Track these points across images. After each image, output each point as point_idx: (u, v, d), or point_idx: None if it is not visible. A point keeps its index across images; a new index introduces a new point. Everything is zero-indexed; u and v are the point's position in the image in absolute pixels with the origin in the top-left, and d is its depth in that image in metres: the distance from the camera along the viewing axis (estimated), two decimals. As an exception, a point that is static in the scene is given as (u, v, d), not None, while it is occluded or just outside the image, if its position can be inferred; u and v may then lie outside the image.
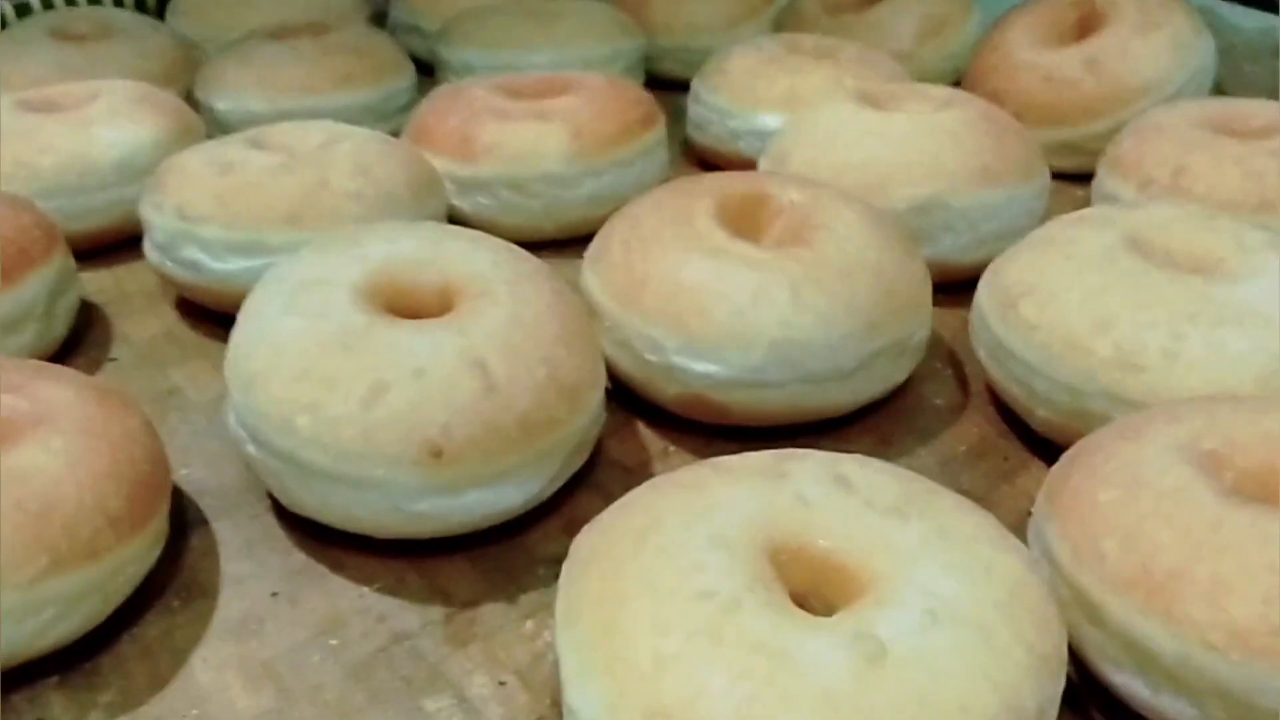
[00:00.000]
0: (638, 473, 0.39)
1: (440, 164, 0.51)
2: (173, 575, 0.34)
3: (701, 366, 0.38)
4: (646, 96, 0.56)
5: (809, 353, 0.37)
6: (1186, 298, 0.36)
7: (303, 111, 0.59)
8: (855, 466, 0.30)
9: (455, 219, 0.53)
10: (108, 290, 0.50)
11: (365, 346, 0.33)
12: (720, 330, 0.37)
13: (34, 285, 0.42)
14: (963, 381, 0.44)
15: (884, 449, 0.40)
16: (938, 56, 0.69)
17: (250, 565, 0.35)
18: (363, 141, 0.47)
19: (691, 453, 0.40)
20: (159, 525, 0.32)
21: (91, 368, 0.44)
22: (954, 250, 0.47)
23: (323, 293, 0.35)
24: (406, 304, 0.36)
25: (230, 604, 0.33)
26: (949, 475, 0.39)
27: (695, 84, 0.63)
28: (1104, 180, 0.51)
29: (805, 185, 0.43)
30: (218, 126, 0.60)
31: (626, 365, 0.40)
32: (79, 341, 0.46)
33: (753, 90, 0.59)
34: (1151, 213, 0.41)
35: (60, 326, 0.43)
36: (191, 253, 0.44)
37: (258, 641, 0.32)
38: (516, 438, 0.33)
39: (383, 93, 0.62)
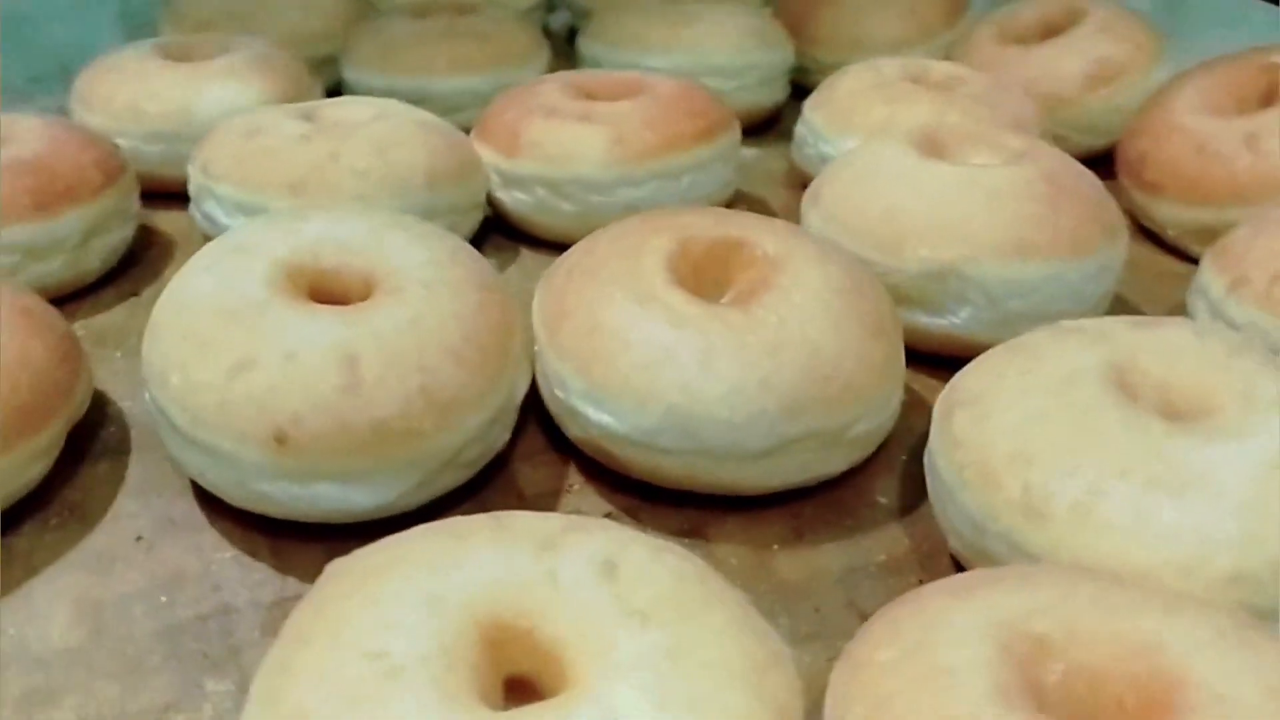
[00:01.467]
0: (531, 504, 0.38)
1: (488, 155, 0.52)
2: (65, 496, 0.37)
3: (599, 416, 0.36)
4: (714, 109, 0.53)
5: (707, 426, 0.35)
6: (1131, 448, 0.30)
7: (412, 92, 0.61)
8: (641, 553, 0.27)
9: (497, 212, 0.53)
10: (183, 233, 0.54)
11: (252, 320, 0.34)
12: (622, 383, 0.35)
13: (70, 221, 0.46)
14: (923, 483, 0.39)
15: (793, 540, 0.37)
16: (1104, 107, 0.61)
17: (135, 505, 0.37)
18: (400, 124, 0.48)
19: (598, 493, 0.38)
20: (34, 447, 0.35)
21: (111, 301, 0.49)
22: (970, 325, 0.42)
23: (245, 261, 0.36)
24: (329, 288, 0.37)
25: (98, 537, 0.36)
26: (846, 586, 0.35)
27: (806, 100, 0.59)
28: (1203, 269, 0.44)
29: (791, 236, 0.39)
30: (349, 94, 0.63)
31: (545, 395, 0.39)
32: (121, 275, 0.50)
33: (849, 115, 0.55)
34: (1165, 335, 0.34)
35: (94, 261, 0.48)
36: (210, 207, 0.47)
37: (100, 580, 0.34)
38: (369, 442, 0.33)
39: (493, 81, 0.62)
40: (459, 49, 0.62)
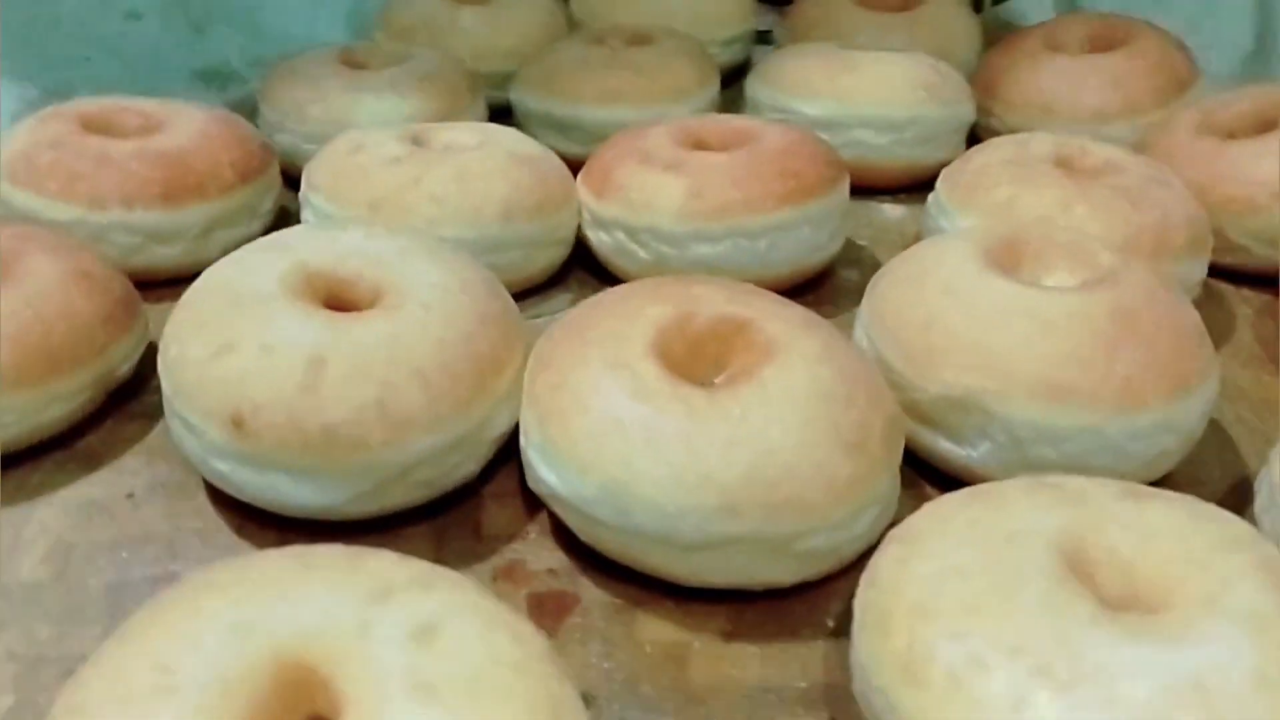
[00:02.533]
0: (484, 541, 0.38)
1: (583, 192, 0.52)
2: (86, 445, 0.42)
3: (546, 473, 0.36)
4: (814, 169, 0.50)
5: (642, 507, 0.34)
6: (1037, 626, 0.27)
7: (565, 118, 0.63)
8: (471, 626, 0.27)
9: (585, 249, 0.54)
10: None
11: (250, 310, 0.37)
12: (570, 445, 0.35)
13: (192, 214, 0.50)
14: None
15: (719, 641, 0.35)
16: None
17: (138, 464, 0.41)
18: (493, 154, 0.50)
19: (550, 546, 0.38)
20: (55, 390, 0.40)
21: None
22: (988, 462, 0.39)
23: (272, 258, 0.39)
24: (342, 296, 0.39)
25: (94, 487, 0.40)
26: (749, 705, 0.33)
27: (944, 169, 0.56)
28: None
29: (801, 326, 0.37)
30: (517, 114, 0.66)
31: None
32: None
33: (973, 191, 0.51)
34: (1153, 512, 0.30)
35: (213, 251, 0.50)
36: (307, 215, 0.51)
37: (80, 527, 0.38)
38: (317, 442, 0.35)
39: (642, 113, 0.61)
40: (611, 79, 0.63)
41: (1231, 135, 0.56)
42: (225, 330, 0.36)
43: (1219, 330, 0.51)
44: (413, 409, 0.35)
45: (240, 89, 0.70)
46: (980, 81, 0.68)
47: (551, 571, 0.37)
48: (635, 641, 0.35)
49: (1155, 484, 0.36)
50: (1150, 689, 0.25)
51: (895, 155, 0.62)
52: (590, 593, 0.37)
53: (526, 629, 0.28)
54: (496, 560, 0.38)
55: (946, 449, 0.40)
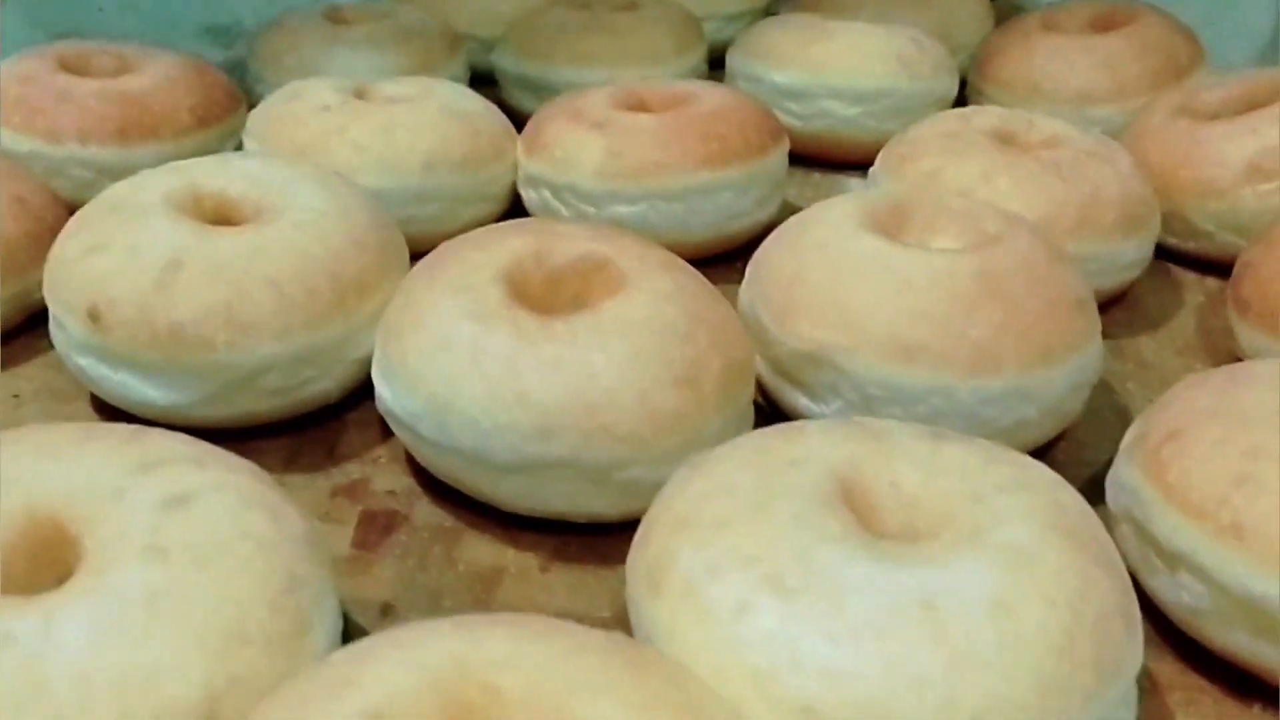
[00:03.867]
0: (335, 460, 0.39)
1: (520, 150, 0.53)
2: (5, 348, 0.44)
3: (382, 388, 0.37)
4: (745, 135, 0.50)
5: (460, 425, 0.34)
6: (778, 539, 0.26)
7: (537, 79, 0.64)
8: (223, 502, 0.28)
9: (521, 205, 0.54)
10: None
11: (128, 217, 0.39)
12: (401, 360, 0.36)
13: (145, 154, 0.52)
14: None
15: (535, 568, 0.35)
16: (1260, 207, 0.49)
17: (36, 370, 0.43)
18: (426, 107, 0.51)
19: (397, 471, 0.39)
20: None
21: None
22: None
23: (167, 177, 0.41)
24: (228, 214, 0.41)
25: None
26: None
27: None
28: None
29: (658, 267, 0.37)
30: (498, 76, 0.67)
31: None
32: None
33: (903, 161, 0.50)
34: (940, 450, 0.30)
35: None
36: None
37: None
38: (164, 340, 0.36)
39: (611, 76, 0.60)
40: (583, 42, 0.64)
41: (1214, 119, 0.53)
42: (99, 233, 0.38)
43: (1160, 315, 0.50)
44: (261, 315, 0.37)
45: (245, 47, 0.73)
46: (977, 61, 0.67)
47: (391, 493, 0.38)
48: (451, 561, 0.35)
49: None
50: (877, 604, 0.25)
51: (865, 128, 0.60)
52: (423, 514, 0.37)
53: (291, 512, 0.29)
54: (340, 478, 0.38)
55: (805, 406, 0.39)
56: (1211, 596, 0.30)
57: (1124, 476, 0.33)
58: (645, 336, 0.35)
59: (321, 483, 0.38)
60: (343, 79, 0.54)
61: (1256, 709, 0.31)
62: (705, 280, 0.39)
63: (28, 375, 0.43)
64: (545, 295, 0.37)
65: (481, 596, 0.34)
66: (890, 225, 0.41)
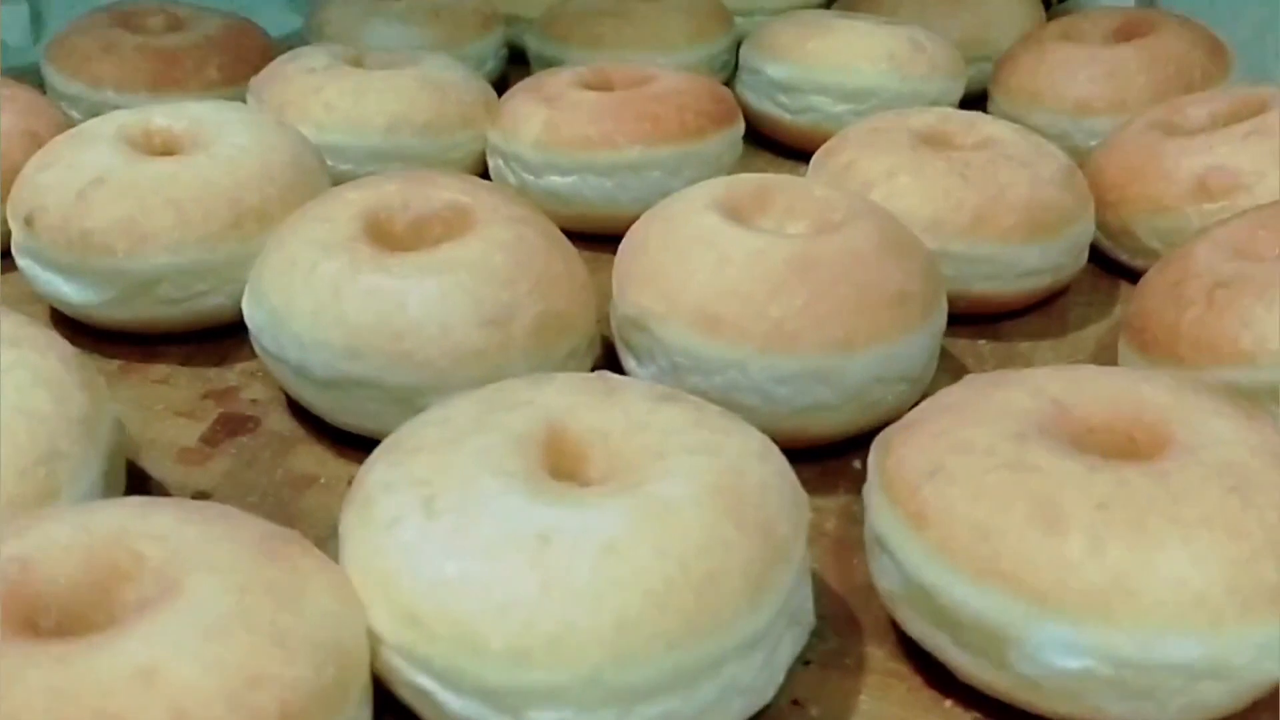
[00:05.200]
0: (218, 369, 0.44)
1: (490, 121, 0.57)
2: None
3: (244, 301, 0.41)
4: (687, 118, 0.53)
5: (288, 339, 0.38)
6: (456, 468, 0.29)
7: (553, 59, 0.67)
8: (21, 352, 0.33)
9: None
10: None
11: (82, 145, 0.45)
12: (257, 276, 0.40)
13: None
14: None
15: (344, 481, 0.39)
16: (1204, 226, 0.48)
17: (15, 281, 0.49)
18: (408, 73, 0.56)
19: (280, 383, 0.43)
20: None
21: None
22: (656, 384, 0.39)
23: (129, 115, 0.47)
24: (170, 148, 0.46)
25: None
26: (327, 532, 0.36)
27: None
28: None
29: (521, 219, 0.41)
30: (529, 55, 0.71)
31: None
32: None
33: (827, 155, 0.51)
34: (659, 408, 0.31)
35: None
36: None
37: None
38: (77, 245, 0.42)
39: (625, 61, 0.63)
40: (599, 25, 0.67)
41: (1185, 135, 0.51)
42: (53, 155, 0.45)
43: (1076, 326, 0.49)
44: (158, 229, 0.42)
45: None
46: (994, 67, 0.66)
47: (254, 401, 0.43)
48: (274, 465, 0.39)
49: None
50: (500, 531, 0.27)
51: (848, 124, 0.60)
52: (272, 422, 0.42)
53: (80, 397, 0.33)
54: (217, 384, 0.43)
55: (632, 369, 0.41)
56: (902, 582, 0.30)
57: (869, 460, 0.34)
58: (461, 275, 0.38)
59: (198, 386, 0.43)
60: (349, 48, 0.60)
61: (948, 704, 0.31)
62: (564, 241, 0.42)
63: (12, 282, 0.48)
64: (408, 237, 0.41)
65: (285, 499, 0.38)
66: (748, 209, 0.42)
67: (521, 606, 0.25)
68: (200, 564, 0.25)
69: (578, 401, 0.32)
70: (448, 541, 0.27)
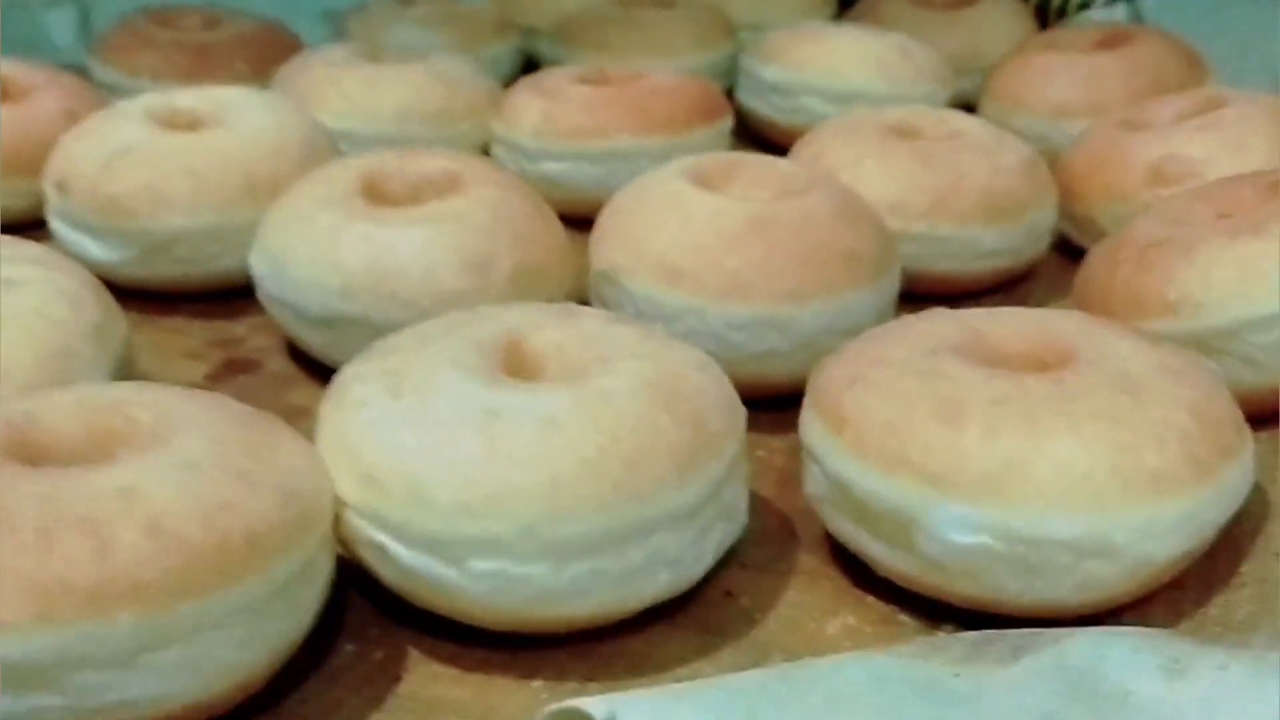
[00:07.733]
0: (230, 324, 0.48)
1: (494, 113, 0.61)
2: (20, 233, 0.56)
3: (251, 252, 0.45)
4: (675, 112, 0.56)
5: (289, 283, 0.42)
6: (422, 364, 0.32)
7: (559, 62, 0.70)
8: (39, 287, 0.37)
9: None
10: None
11: (119, 122, 0.49)
12: (265, 229, 0.44)
13: None
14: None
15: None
16: None
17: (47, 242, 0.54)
18: (418, 68, 0.60)
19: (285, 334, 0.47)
20: None
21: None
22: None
23: (159, 97, 0.52)
24: (194, 129, 0.50)
25: None
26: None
27: None
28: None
29: (510, 185, 0.45)
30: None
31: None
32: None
33: (802, 146, 0.54)
34: (612, 329, 0.34)
35: None
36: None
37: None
38: (103, 209, 0.47)
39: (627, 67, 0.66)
40: (604, 32, 0.71)
41: (1153, 127, 0.54)
42: (88, 128, 0.49)
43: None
44: (176, 195, 0.46)
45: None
46: (985, 76, 0.68)
47: (260, 348, 0.46)
48: (270, 400, 0.42)
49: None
50: (453, 407, 0.30)
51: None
52: (274, 366, 0.45)
53: (95, 310, 0.37)
54: (225, 333, 0.47)
55: (605, 321, 0.44)
56: (826, 484, 0.33)
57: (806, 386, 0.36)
58: (446, 224, 0.41)
59: (208, 335, 0.47)
60: (369, 47, 0.64)
61: (870, 599, 0.33)
62: (544, 205, 0.46)
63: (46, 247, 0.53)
64: (402, 197, 0.44)
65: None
66: (715, 179, 0.45)
67: (467, 465, 0.28)
68: (186, 425, 0.28)
69: (541, 320, 0.35)
70: (406, 415, 0.30)
